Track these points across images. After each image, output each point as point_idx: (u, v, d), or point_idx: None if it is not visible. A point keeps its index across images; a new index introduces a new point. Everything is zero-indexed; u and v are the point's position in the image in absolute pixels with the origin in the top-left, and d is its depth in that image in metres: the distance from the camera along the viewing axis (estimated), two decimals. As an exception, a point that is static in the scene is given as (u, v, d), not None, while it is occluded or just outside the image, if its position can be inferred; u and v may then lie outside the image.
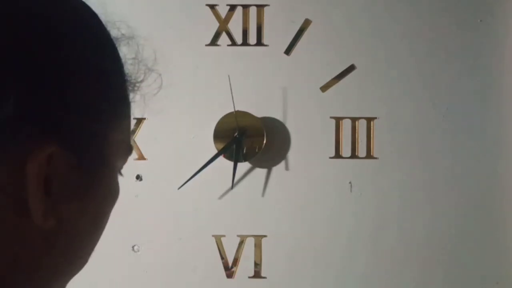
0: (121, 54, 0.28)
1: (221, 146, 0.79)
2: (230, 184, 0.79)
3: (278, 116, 0.81)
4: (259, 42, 0.81)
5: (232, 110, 0.78)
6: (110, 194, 0.28)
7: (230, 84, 0.76)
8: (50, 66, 0.24)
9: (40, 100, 0.23)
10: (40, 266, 0.25)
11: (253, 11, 0.81)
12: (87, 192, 0.26)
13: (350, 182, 0.80)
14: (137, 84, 0.29)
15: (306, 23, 0.81)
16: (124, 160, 0.29)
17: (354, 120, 0.80)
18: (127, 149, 0.29)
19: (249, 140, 0.79)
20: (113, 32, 0.28)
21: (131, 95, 0.29)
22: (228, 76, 0.77)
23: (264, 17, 0.81)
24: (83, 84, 0.25)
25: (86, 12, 0.27)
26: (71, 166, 0.25)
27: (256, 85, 0.80)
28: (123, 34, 0.28)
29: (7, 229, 0.24)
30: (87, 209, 0.27)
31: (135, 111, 0.29)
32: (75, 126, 0.25)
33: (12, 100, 0.23)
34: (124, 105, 0.28)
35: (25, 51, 0.23)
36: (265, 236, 0.80)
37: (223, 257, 0.80)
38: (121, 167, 0.28)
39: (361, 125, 0.80)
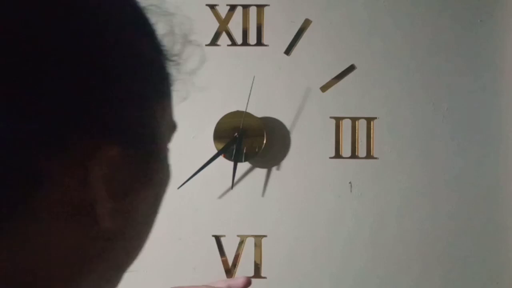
0: (156, 28, 0.27)
1: (221, 146, 0.79)
2: (230, 184, 0.79)
3: (278, 116, 0.81)
4: (259, 42, 0.81)
5: (232, 110, 0.78)
6: (164, 177, 0.28)
7: (252, 85, 0.76)
8: (97, 59, 0.23)
9: (92, 99, 0.23)
10: (104, 259, 0.25)
11: (253, 11, 0.81)
12: (145, 181, 0.26)
13: (350, 182, 0.80)
14: (176, 58, 0.28)
15: (306, 23, 0.81)
16: (171, 138, 0.28)
17: (354, 120, 0.80)
18: (172, 126, 0.28)
19: (249, 140, 0.79)
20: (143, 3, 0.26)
21: (171, 71, 0.28)
22: (254, 76, 0.77)
23: (264, 17, 0.81)
24: (129, 73, 0.25)
25: None
26: (128, 160, 0.24)
27: (256, 85, 0.80)
28: (154, 5, 0.27)
29: (73, 233, 0.24)
30: (146, 197, 0.27)
31: (180, 88, 0.28)
32: (127, 119, 0.24)
33: (67, 104, 0.22)
34: (166, 84, 0.27)
35: (77, 52, 0.22)
36: (265, 236, 0.80)
37: (223, 257, 0.80)
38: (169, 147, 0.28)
39: (361, 125, 0.80)
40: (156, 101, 0.26)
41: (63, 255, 0.23)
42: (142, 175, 0.25)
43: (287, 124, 0.81)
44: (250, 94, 0.79)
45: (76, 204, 0.23)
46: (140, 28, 0.26)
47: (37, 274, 0.23)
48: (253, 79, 0.80)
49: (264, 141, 0.79)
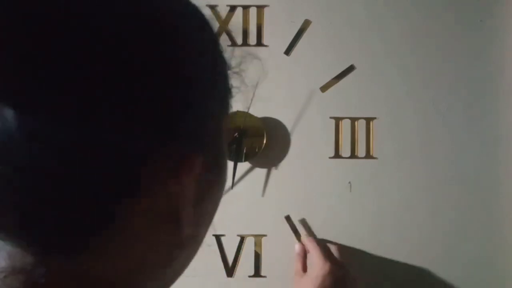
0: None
1: (221, 146, 0.79)
2: (230, 184, 0.79)
3: (278, 116, 0.81)
4: (259, 42, 0.81)
5: (232, 110, 0.79)
6: (226, 178, 0.29)
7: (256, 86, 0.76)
8: (194, 78, 0.24)
9: (185, 113, 0.23)
10: (172, 266, 0.26)
11: (253, 11, 0.81)
12: (216, 185, 0.27)
13: (349, 182, 0.80)
14: (237, 70, 0.29)
15: (306, 23, 0.81)
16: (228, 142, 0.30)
17: (353, 120, 0.81)
18: (229, 132, 0.30)
19: (249, 140, 0.79)
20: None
21: (232, 82, 0.29)
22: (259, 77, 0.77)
23: (264, 18, 0.81)
24: (214, 89, 0.25)
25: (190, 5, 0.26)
26: (208, 169, 0.25)
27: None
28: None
29: (158, 241, 0.24)
30: (214, 200, 0.27)
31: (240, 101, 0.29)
32: (207, 131, 0.25)
33: (166, 117, 0.22)
34: (230, 96, 0.29)
35: (163, 65, 0.22)
36: (265, 235, 0.80)
37: (223, 256, 0.80)
38: None
39: (361, 125, 0.81)
40: (225, 112, 0.28)
41: (144, 262, 0.24)
42: (214, 182, 0.26)
43: (287, 124, 0.81)
44: (253, 95, 0.79)
45: (163, 212, 0.23)
46: (218, 45, 0.27)
47: (115, 282, 0.23)
48: (258, 80, 0.80)
49: (264, 141, 0.79)
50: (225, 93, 0.28)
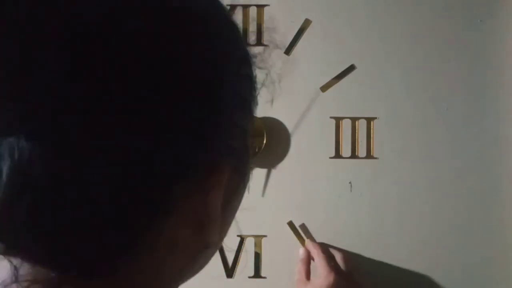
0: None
1: (221, 146, 0.79)
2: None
3: (278, 116, 0.81)
4: (259, 42, 0.81)
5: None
6: (249, 179, 0.29)
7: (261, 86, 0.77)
8: (228, 86, 0.23)
9: (211, 122, 0.22)
10: (194, 270, 0.26)
11: (253, 11, 0.81)
12: (240, 188, 0.26)
13: (350, 182, 0.80)
14: (265, 68, 0.28)
15: (306, 23, 0.81)
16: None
17: (354, 120, 0.80)
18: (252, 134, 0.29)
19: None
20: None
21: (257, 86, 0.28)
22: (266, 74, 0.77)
23: (264, 17, 0.81)
24: (236, 93, 0.24)
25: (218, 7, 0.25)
26: (236, 175, 0.24)
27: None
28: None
29: (183, 250, 0.24)
30: (238, 202, 0.27)
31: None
32: (236, 138, 0.24)
33: (190, 130, 0.21)
34: (256, 95, 0.28)
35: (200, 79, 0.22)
36: (265, 236, 0.80)
37: (223, 257, 0.80)
38: None
39: (361, 125, 0.80)
40: (252, 116, 0.27)
41: (171, 273, 0.23)
42: (240, 184, 0.26)
43: (287, 124, 0.81)
44: (273, 91, 0.79)
45: (192, 225, 0.23)
46: (246, 47, 0.27)
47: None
48: (263, 80, 0.79)
49: (264, 141, 0.79)
50: (252, 99, 0.27)
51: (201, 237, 0.24)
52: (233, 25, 0.26)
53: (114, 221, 0.20)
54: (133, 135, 0.19)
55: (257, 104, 0.28)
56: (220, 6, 0.25)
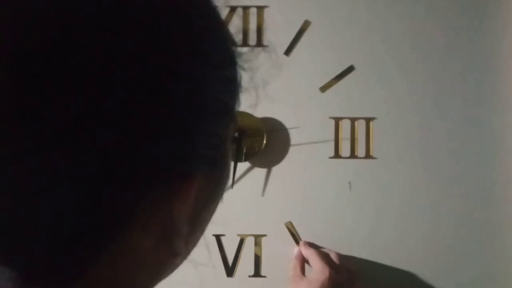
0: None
1: (221, 146, 0.79)
2: (230, 184, 0.79)
3: (278, 116, 0.81)
4: (259, 43, 0.81)
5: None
6: (228, 180, 0.27)
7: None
8: (193, 99, 0.21)
9: (184, 132, 0.21)
10: (161, 271, 0.25)
11: (253, 12, 0.81)
12: (216, 191, 0.25)
13: (349, 182, 0.81)
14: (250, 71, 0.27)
15: (306, 24, 0.81)
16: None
17: (353, 120, 0.81)
18: (234, 138, 0.28)
19: (249, 140, 0.79)
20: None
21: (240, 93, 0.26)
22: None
23: (264, 18, 0.81)
24: (216, 101, 0.23)
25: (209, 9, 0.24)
26: (209, 185, 0.24)
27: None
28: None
29: (148, 260, 0.23)
30: (212, 208, 0.26)
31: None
32: (212, 147, 0.23)
33: (159, 140, 0.20)
34: (238, 100, 0.26)
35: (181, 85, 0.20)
36: (265, 235, 0.80)
37: (223, 256, 0.80)
38: None
39: (360, 125, 0.81)
40: (233, 120, 0.26)
41: (140, 279, 0.23)
42: (215, 190, 0.25)
43: (287, 124, 0.81)
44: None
45: (161, 232, 0.22)
46: (234, 52, 0.25)
47: None
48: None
49: (264, 141, 0.80)
50: (234, 103, 0.26)
51: (167, 248, 0.23)
52: (218, 26, 0.24)
53: (77, 232, 0.19)
54: (98, 145, 0.18)
55: (239, 107, 0.27)
56: (207, 6, 0.24)
